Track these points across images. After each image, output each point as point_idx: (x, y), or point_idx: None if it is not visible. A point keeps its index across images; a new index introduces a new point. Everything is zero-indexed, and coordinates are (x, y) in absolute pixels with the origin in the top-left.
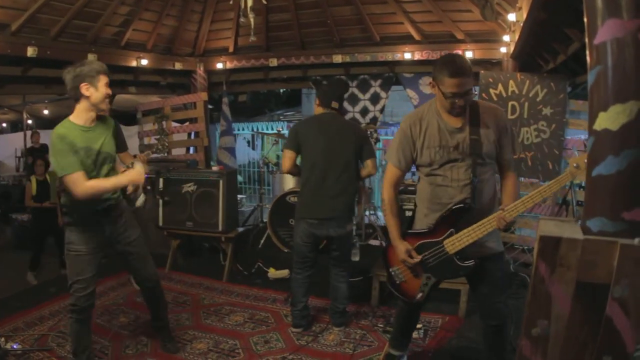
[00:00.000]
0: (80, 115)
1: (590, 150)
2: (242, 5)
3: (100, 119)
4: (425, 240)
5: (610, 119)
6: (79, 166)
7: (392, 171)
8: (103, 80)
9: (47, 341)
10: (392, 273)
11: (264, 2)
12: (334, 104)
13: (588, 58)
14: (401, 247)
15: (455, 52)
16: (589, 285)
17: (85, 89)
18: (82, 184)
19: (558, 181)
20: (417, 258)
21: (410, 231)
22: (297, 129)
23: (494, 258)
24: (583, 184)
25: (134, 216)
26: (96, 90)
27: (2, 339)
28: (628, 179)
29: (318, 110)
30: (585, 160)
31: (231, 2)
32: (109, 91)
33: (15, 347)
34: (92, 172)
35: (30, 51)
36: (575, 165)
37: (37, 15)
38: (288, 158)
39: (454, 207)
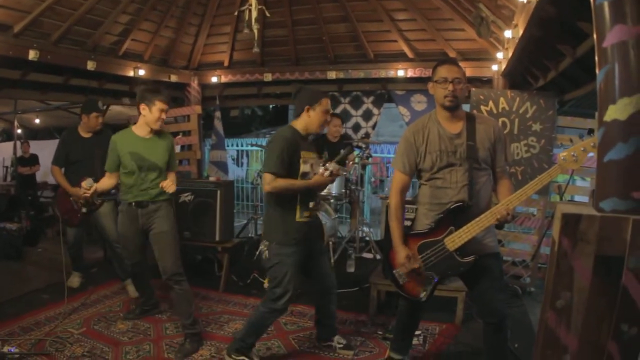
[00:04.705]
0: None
1: (601, 139)
2: (247, 17)
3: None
4: (426, 239)
5: (619, 110)
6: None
7: (398, 176)
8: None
9: (45, 346)
10: (396, 274)
11: (268, 14)
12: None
13: (597, 59)
14: (402, 253)
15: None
16: (606, 258)
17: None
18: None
19: (549, 174)
20: (415, 265)
21: (412, 232)
22: None
23: (491, 256)
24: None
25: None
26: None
27: None
28: (636, 162)
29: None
30: (572, 153)
31: (235, 14)
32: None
33: (12, 350)
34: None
35: (32, 54)
36: (563, 158)
37: (40, 18)
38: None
39: (452, 207)
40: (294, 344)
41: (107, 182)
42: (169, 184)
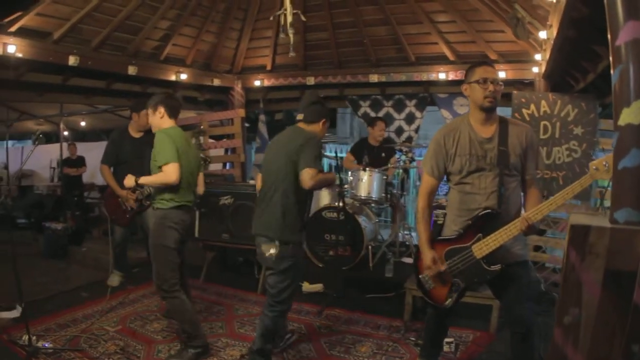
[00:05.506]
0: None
1: (616, 145)
2: (282, 22)
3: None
4: (454, 245)
5: (632, 114)
6: None
7: (426, 179)
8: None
9: (79, 342)
10: (422, 279)
11: (303, 19)
12: (299, 116)
13: (611, 59)
14: (428, 254)
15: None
16: (617, 273)
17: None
18: None
19: (580, 183)
20: (442, 267)
21: (439, 237)
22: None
23: (519, 264)
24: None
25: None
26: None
27: (34, 338)
28: None
29: None
30: (604, 163)
31: (271, 19)
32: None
33: (46, 345)
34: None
35: (72, 60)
36: (594, 167)
37: (79, 25)
38: (257, 179)
39: (481, 213)
40: (324, 348)
41: None
42: (126, 178)
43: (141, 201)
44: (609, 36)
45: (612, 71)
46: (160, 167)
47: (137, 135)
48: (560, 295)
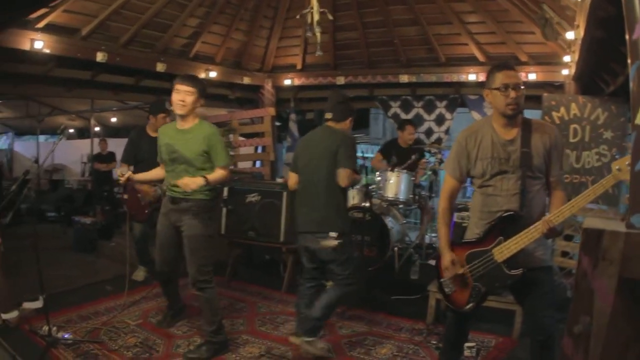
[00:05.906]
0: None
1: (633, 145)
2: (309, 20)
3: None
4: (474, 249)
5: None
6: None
7: (448, 181)
8: None
9: (99, 334)
10: (443, 283)
11: (330, 17)
12: (327, 115)
13: (629, 54)
14: (447, 256)
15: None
16: (633, 281)
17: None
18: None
19: (602, 184)
20: (460, 270)
21: (461, 241)
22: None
23: (542, 270)
24: None
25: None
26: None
27: (54, 328)
28: None
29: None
30: (627, 162)
31: (298, 17)
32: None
33: (66, 336)
34: (167, 167)
35: (100, 56)
36: (617, 168)
37: (107, 22)
38: (290, 177)
39: (503, 216)
40: (344, 348)
41: (158, 172)
42: (185, 181)
43: (160, 197)
44: (626, 31)
45: (629, 68)
46: (222, 167)
47: (154, 134)
48: (571, 303)
